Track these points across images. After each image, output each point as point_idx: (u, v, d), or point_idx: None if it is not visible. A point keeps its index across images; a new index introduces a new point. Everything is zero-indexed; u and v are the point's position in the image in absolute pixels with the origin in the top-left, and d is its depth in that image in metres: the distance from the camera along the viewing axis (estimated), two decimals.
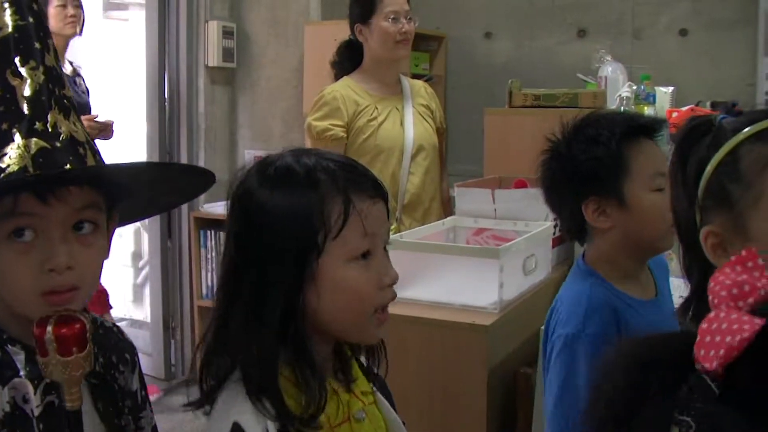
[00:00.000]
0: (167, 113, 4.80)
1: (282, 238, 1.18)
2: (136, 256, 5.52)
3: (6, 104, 1.19)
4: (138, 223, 5.58)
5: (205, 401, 1.24)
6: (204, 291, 4.72)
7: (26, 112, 1.20)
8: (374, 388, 1.36)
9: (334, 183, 1.19)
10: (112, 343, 1.41)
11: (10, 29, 1.22)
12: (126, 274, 5.58)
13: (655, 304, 1.91)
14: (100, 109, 4.30)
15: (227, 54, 4.80)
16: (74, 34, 4.20)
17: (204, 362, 1.24)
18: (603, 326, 1.74)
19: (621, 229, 1.81)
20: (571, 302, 1.83)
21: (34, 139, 1.18)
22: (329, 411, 1.22)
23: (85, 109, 4.17)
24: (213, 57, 4.74)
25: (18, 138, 1.18)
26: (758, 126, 1.07)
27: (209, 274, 4.68)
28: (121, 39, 6.01)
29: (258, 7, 4.86)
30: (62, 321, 1.15)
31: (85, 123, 3.87)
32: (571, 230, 1.95)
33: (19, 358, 1.22)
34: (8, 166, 1.16)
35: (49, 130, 1.20)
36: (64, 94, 1.26)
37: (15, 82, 1.20)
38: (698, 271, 1.15)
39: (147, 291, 5.14)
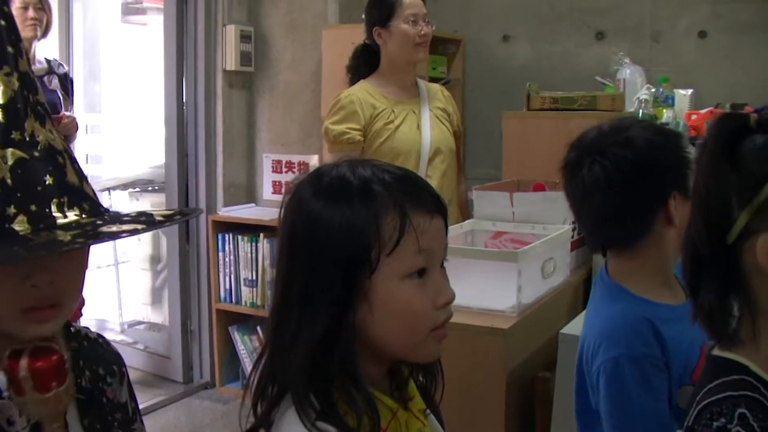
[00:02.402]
0: (185, 117, 4.81)
1: (333, 253, 1.13)
2: (155, 259, 5.53)
3: None
4: None
5: (261, 425, 1.18)
6: (222, 294, 4.73)
7: (1, 120, 1.14)
8: (427, 411, 1.30)
9: (390, 196, 1.14)
10: (98, 355, 1.35)
11: None
12: (144, 278, 5.60)
13: (687, 307, 1.89)
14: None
15: (245, 58, 4.81)
16: (35, 38, 4.21)
17: (258, 383, 1.20)
18: (646, 345, 1.69)
19: (680, 227, 1.74)
20: (608, 326, 1.75)
21: (11, 149, 1.13)
22: (390, 431, 1.18)
23: (54, 108, 4.18)
24: (231, 61, 4.74)
25: None
26: None
27: (227, 278, 4.69)
28: (139, 43, 6.05)
29: (276, 10, 4.86)
30: (37, 353, 1.08)
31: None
32: (619, 237, 1.82)
33: (2, 379, 1.15)
34: None
35: (27, 139, 1.15)
36: (38, 100, 1.20)
37: None
38: (716, 284, 1.15)
39: (165, 294, 5.15)
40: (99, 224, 1.17)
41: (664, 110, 3.71)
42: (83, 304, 4.27)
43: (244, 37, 4.79)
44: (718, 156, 1.15)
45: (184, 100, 4.80)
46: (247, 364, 4.68)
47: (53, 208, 1.15)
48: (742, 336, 1.17)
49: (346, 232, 1.12)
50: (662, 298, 1.79)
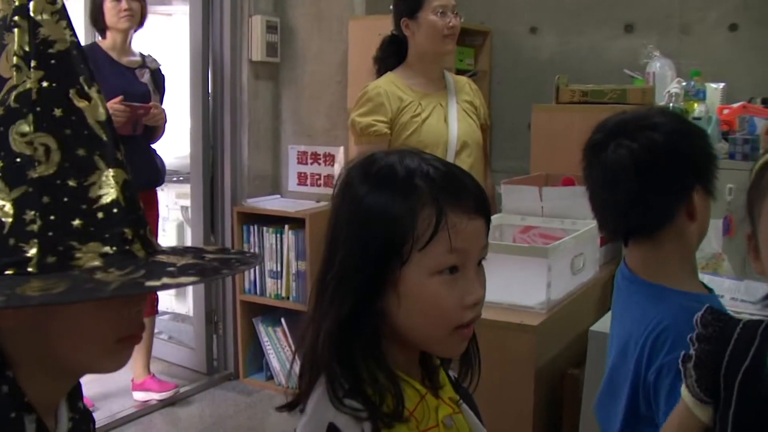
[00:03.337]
0: (211, 108, 4.80)
1: (369, 239, 1.16)
2: None
3: (74, 128, 1.11)
4: (182, 217, 5.61)
5: (299, 400, 1.22)
6: (246, 286, 4.72)
7: (104, 138, 1.13)
8: (460, 400, 1.32)
9: (430, 192, 1.15)
10: None
11: (68, 44, 1.14)
12: None
13: (714, 296, 1.85)
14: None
15: (271, 49, 4.80)
16: (130, 28, 4.23)
17: (302, 362, 1.23)
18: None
19: (701, 223, 1.74)
20: (668, 323, 1.67)
21: (115, 169, 1.12)
22: (417, 414, 1.19)
23: (142, 99, 4.21)
24: (257, 51, 4.73)
25: (102, 166, 1.11)
26: None
27: (252, 269, 4.68)
28: (165, 34, 6.04)
29: (302, 1, 4.84)
30: None
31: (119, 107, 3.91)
32: (646, 226, 1.76)
33: (32, 426, 1.11)
34: (101, 197, 1.10)
35: (123, 160, 1.15)
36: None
37: (82, 104, 1.12)
38: None
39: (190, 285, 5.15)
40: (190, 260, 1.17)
41: (696, 104, 3.66)
42: (157, 299, 4.33)
43: (270, 28, 4.78)
44: None
45: (209, 91, 4.79)
46: (271, 356, 4.68)
47: (148, 234, 1.16)
48: None
49: (383, 221, 1.15)
50: (695, 289, 1.76)
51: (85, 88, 1.14)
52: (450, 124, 3.37)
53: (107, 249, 1.09)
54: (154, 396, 4.40)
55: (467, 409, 1.33)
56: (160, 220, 4.99)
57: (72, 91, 1.12)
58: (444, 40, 3.33)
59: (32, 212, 1.05)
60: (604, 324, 2.45)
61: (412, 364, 1.25)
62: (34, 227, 1.05)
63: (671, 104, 3.62)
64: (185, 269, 1.11)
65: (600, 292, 3.02)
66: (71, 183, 1.08)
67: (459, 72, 4.33)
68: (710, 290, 1.83)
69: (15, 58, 1.11)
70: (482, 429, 1.34)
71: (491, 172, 3.82)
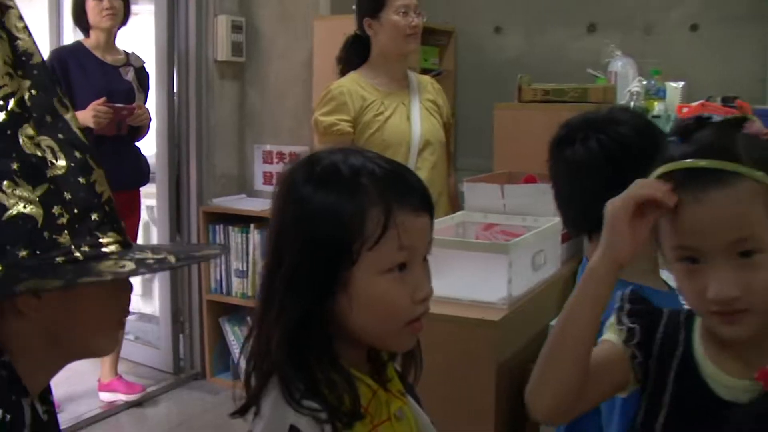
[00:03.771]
0: (176, 107, 4.80)
1: (317, 240, 1.15)
2: None
3: (65, 133, 1.18)
4: (147, 218, 5.59)
5: (250, 404, 1.21)
6: (213, 285, 4.72)
7: (88, 143, 1.21)
8: (405, 393, 1.34)
9: (377, 191, 1.16)
10: None
11: (41, 57, 1.20)
12: None
13: (674, 294, 1.87)
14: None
15: (236, 48, 4.80)
16: (113, 26, 4.23)
17: (248, 366, 1.23)
18: None
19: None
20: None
21: (101, 169, 1.21)
22: (371, 409, 1.21)
23: (127, 98, 4.22)
24: (222, 51, 4.73)
25: (95, 166, 1.20)
26: (665, 168, 1.23)
27: (218, 269, 4.68)
28: (131, 33, 6.01)
29: (267, 1, 4.85)
30: None
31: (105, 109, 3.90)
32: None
33: (28, 410, 1.16)
34: (103, 193, 1.20)
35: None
36: None
37: (65, 113, 1.19)
38: None
39: (156, 285, 5.14)
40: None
41: (656, 102, 3.71)
42: None
43: (236, 28, 4.79)
44: None
45: (175, 91, 4.79)
46: (238, 356, 4.68)
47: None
48: None
49: (330, 222, 1.15)
50: (654, 286, 1.77)
51: (64, 99, 1.20)
52: (413, 123, 3.39)
53: (120, 238, 1.19)
54: (121, 397, 4.39)
55: (411, 401, 1.34)
56: None
57: (55, 100, 1.18)
58: (406, 39, 3.35)
59: (58, 207, 1.12)
60: None
61: (362, 360, 1.26)
62: (63, 221, 1.12)
63: (632, 103, 3.66)
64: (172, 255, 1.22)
65: (562, 288, 3.05)
66: (81, 180, 1.15)
67: (424, 71, 4.35)
68: (671, 288, 1.85)
69: (5, 66, 1.15)
70: (425, 417, 1.36)
71: (455, 170, 3.85)
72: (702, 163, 1.17)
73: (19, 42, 1.17)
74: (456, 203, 3.63)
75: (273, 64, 4.86)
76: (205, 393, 4.65)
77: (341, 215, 1.14)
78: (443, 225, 2.98)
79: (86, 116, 3.93)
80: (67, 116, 1.19)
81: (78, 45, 4.27)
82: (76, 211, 1.13)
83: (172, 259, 1.18)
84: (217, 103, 4.82)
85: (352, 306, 1.17)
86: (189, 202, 4.81)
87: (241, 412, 1.23)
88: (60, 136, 1.16)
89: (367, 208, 1.14)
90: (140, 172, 4.37)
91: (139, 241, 5.57)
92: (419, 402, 1.38)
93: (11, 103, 1.13)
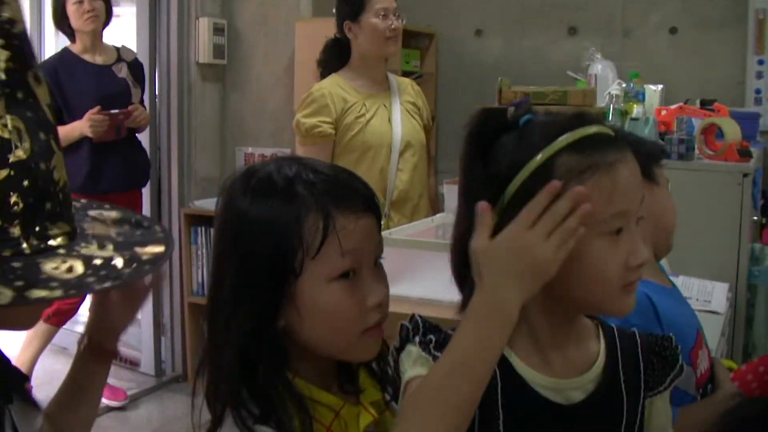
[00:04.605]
0: (157, 110, 4.79)
1: (258, 254, 1.12)
2: None
3: (33, 111, 1.10)
4: None
5: (214, 429, 1.15)
6: (194, 288, 4.71)
7: (53, 122, 1.14)
8: (388, 398, 1.26)
9: (313, 197, 1.12)
10: None
11: (23, 24, 1.12)
12: None
13: (677, 291, 1.87)
14: None
15: (218, 51, 4.80)
16: (97, 28, 4.18)
17: (207, 392, 1.17)
18: (643, 318, 1.69)
19: (646, 211, 1.79)
20: None
21: (60, 152, 1.13)
22: (336, 428, 1.16)
23: (123, 98, 4.20)
24: (204, 53, 4.73)
25: (56, 149, 1.12)
26: (573, 135, 1.08)
27: (199, 271, 4.68)
28: (112, 35, 6.00)
29: (249, 4, 4.86)
30: None
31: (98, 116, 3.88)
32: None
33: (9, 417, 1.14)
34: (59, 179, 1.11)
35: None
36: None
37: (37, 87, 1.11)
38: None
39: None
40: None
41: (635, 105, 3.74)
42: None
43: (217, 30, 4.79)
44: (472, 151, 1.14)
45: (156, 93, 4.78)
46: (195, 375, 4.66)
47: None
48: None
49: (269, 234, 1.11)
50: (658, 281, 1.80)
51: (39, 72, 1.12)
52: (394, 125, 3.41)
53: (68, 228, 1.11)
54: (104, 402, 4.37)
55: (396, 406, 1.25)
56: None
57: (30, 73, 1.10)
58: (386, 42, 3.37)
59: (15, 195, 1.05)
60: None
61: (326, 374, 1.21)
62: (17, 209, 1.05)
63: (611, 105, 3.69)
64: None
65: None
66: (42, 166, 1.08)
67: (405, 74, 4.37)
68: (674, 285, 1.87)
69: None
70: None
71: (435, 172, 3.86)
72: (607, 130, 1.12)
73: (5, 7, 1.09)
74: (436, 205, 3.64)
75: (254, 67, 4.86)
76: (186, 396, 4.61)
77: (278, 226, 1.11)
78: (423, 227, 3.00)
79: (83, 126, 3.92)
80: (38, 91, 1.11)
81: (65, 52, 4.23)
82: (31, 200, 1.06)
83: (119, 263, 1.09)
84: (199, 105, 4.82)
85: (302, 319, 1.13)
86: (170, 204, 4.81)
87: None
88: (28, 114, 1.08)
89: (303, 216, 1.11)
90: (141, 171, 4.36)
91: None
92: None
93: None
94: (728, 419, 1.04)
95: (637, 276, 1.12)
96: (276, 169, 1.16)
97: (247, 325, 1.12)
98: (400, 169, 3.41)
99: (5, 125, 1.06)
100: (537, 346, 1.15)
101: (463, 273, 1.15)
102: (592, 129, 1.10)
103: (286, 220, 1.11)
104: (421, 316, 1.17)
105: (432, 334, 1.13)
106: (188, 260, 4.67)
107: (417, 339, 1.13)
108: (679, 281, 2.53)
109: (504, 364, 1.11)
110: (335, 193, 1.14)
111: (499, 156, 1.11)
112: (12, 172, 1.05)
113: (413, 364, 1.11)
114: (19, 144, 1.07)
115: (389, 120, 3.41)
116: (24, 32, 1.11)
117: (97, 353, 1.36)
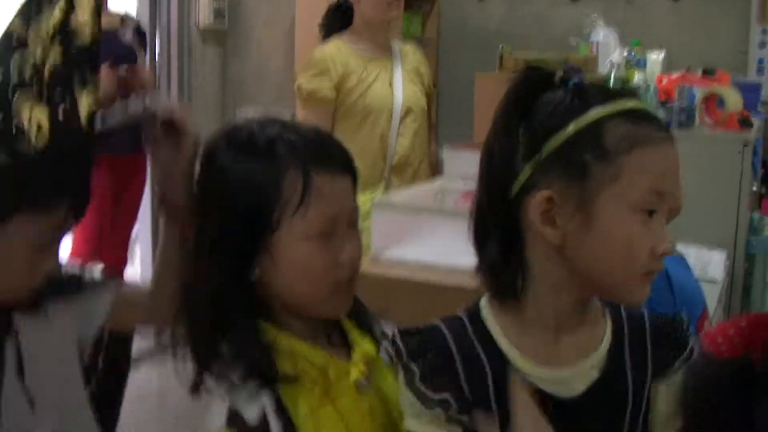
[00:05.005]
0: (157, 74, 4.78)
1: (237, 207, 1.16)
2: None
3: None
4: None
5: (199, 382, 1.19)
6: None
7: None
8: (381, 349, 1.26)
9: (294, 157, 1.16)
10: None
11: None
12: None
13: (684, 261, 1.88)
14: None
15: (219, 15, 4.78)
16: None
17: (188, 344, 1.22)
18: (656, 285, 1.69)
19: None
20: None
21: None
22: (323, 382, 1.19)
23: (129, 61, 4.16)
24: (204, 17, 4.71)
25: None
26: (623, 104, 1.07)
27: None
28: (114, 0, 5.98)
29: None
30: None
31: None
32: None
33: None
34: None
35: None
36: None
37: None
38: (498, 238, 1.12)
39: (137, 250, 5.14)
40: None
41: (636, 73, 3.73)
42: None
43: None
44: (512, 107, 1.12)
45: (157, 57, 4.77)
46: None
47: None
48: (519, 294, 1.13)
49: (249, 189, 1.16)
50: None
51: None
52: (395, 90, 3.40)
53: None
54: None
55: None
56: None
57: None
58: (389, 6, 3.35)
59: None
60: None
61: (315, 329, 1.24)
62: None
63: (613, 73, 3.69)
64: None
65: None
66: None
67: (406, 38, 4.35)
68: (681, 255, 1.88)
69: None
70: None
71: (436, 138, 3.86)
72: (653, 113, 1.11)
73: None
74: (437, 171, 3.64)
75: (255, 31, 4.84)
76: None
77: (258, 183, 1.15)
78: (423, 191, 3.00)
79: None
80: None
81: None
82: None
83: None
84: (199, 69, 4.81)
85: (277, 272, 1.17)
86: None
87: (192, 390, 1.20)
88: None
89: (283, 175, 1.15)
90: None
91: None
92: None
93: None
94: (697, 380, 1.04)
95: (660, 266, 1.10)
96: (259, 128, 1.20)
97: (223, 274, 1.16)
98: (400, 134, 3.40)
99: None
100: (543, 335, 1.13)
101: (483, 235, 1.16)
102: (643, 105, 1.11)
103: (266, 178, 1.15)
104: (395, 337, 1.14)
105: (431, 371, 1.11)
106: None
107: (402, 378, 1.12)
108: (677, 249, 2.53)
109: (496, 358, 1.11)
110: (315, 154, 1.18)
111: (542, 111, 1.10)
112: None
113: (409, 410, 1.13)
114: None
115: (390, 85, 3.39)
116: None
117: (170, 212, 1.42)
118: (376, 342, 1.28)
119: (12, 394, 1.32)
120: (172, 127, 1.38)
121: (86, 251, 3.95)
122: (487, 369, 1.10)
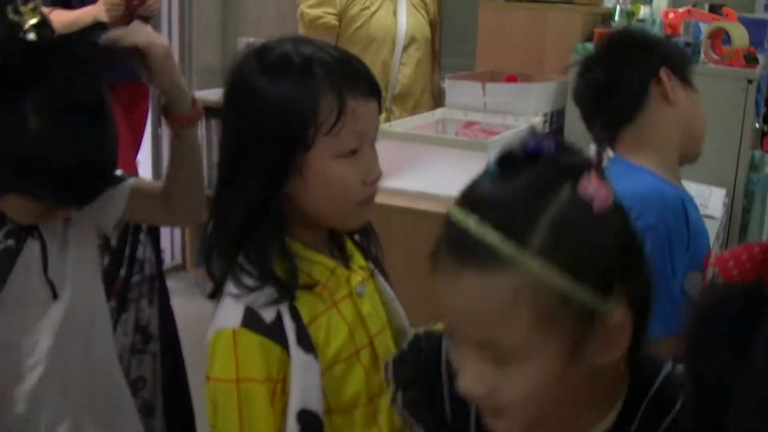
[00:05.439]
0: None
1: (272, 128, 1.19)
2: None
3: None
4: None
5: (219, 288, 1.26)
6: None
7: None
8: (371, 267, 1.41)
9: (329, 78, 1.19)
10: None
11: None
12: None
13: (693, 200, 1.90)
14: None
15: None
16: None
17: (207, 256, 1.28)
18: (677, 220, 1.70)
19: (682, 112, 1.83)
20: (638, 195, 1.58)
21: None
22: (331, 286, 1.28)
23: None
24: None
25: None
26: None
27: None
28: None
29: None
30: None
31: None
32: (622, 109, 1.85)
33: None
34: None
35: None
36: None
37: None
38: None
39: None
40: None
41: (642, 7, 3.69)
42: None
43: None
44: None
45: None
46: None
47: None
48: None
49: (285, 110, 1.18)
50: (674, 180, 1.84)
51: None
52: (399, 19, 3.38)
53: None
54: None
55: (379, 276, 1.41)
56: None
57: None
58: None
59: None
60: None
61: (320, 241, 1.32)
62: None
63: (618, 5, 3.65)
64: None
65: None
66: None
67: None
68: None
69: None
70: (391, 293, 1.42)
71: (439, 69, 3.84)
72: (472, 225, 0.86)
73: None
74: (439, 101, 3.64)
75: None
76: (186, 284, 4.68)
77: (295, 103, 1.17)
78: (423, 121, 3.00)
79: (98, 10, 3.84)
80: None
81: None
82: None
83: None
84: None
85: (307, 188, 1.22)
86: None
87: (212, 296, 1.28)
88: None
89: (320, 95, 1.18)
90: None
91: None
92: (387, 276, 1.44)
93: None
94: (703, 303, 1.02)
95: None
96: (293, 48, 1.22)
97: (256, 190, 1.21)
98: (403, 63, 3.39)
99: None
100: None
101: None
102: None
103: (302, 97, 1.17)
104: (393, 361, 1.18)
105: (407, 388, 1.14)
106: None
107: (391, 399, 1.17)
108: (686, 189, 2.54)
109: None
110: (348, 76, 1.22)
111: None
112: None
113: None
114: None
115: (394, 13, 3.37)
116: None
117: (168, 117, 1.55)
118: (366, 254, 1.41)
119: (37, 286, 1.43)
120: (137, 50, 1.43)
121: None
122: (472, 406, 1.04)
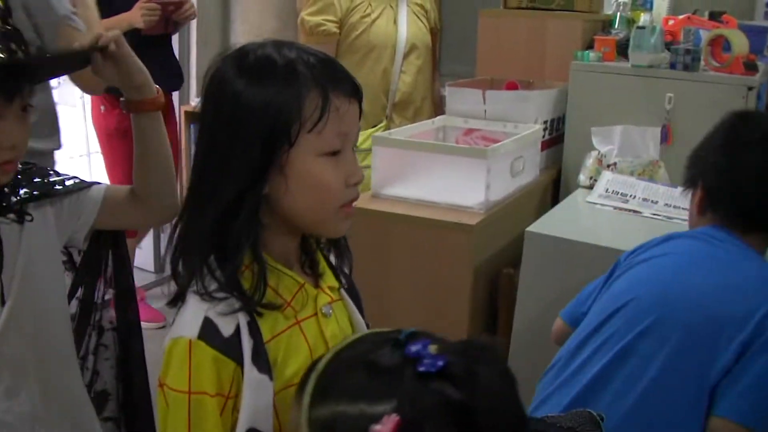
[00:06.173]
0: None
1: (254, 129, 1.16)
2: None
3: None
4: None
5: (179, 297, 1.23)
6: None
7: None
8: (342, 288, 1.37)
9: (313, 78, 1.17)
10: None
11: None
12: None
13: None
14: None
15: None
16: None
17: (174, 259, 1.25)
18: None
19: None
20: None
21: None
22: (295, 304, 1.25)
23: None
24: None
25: None
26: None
27: None
28: None
29: None
30: None
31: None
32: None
33: None
34: None
35: None
36: None
37: None
38: None
39: None
40: None
41: (642, 14, 3.69)
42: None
43: None
44: None
45: None
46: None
47: None
48: None
49: (268, 110, 1.15)
50: None
51: None
52: (399, 26, 3.38)
53: None
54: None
55: (347, 298, 1.37)
56: None
57: None
58: None
59: None
60: (541, 225, 2.52)
61: (291, 253, 1.30)
62: None
63: (618, 13, 3.65)
64: None
65: (539, 196, 3.09)
66: None
67: None
68: None
69: None
70: (359, 317, 1.38)
71: (440, 76, 3.84)
72: None
73: None
74: (440, 110, 3.64)
75: None
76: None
77: (279, 102, 1.15)
78: (424, 129, 3.00)
79: (134, 16, 3.80)
80: None
81: None
82: None
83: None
84: (200, 1, 4.75)
85: (288, 188, 1.19)
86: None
87: (172, 302, 1.24)
88: None
89: (304, 93, 1.16)
90: (175, 74, 4.26)
91: None
92: (359, 302, 1.41)
93: None
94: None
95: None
96: (275, 50, 1.20)
97: (233, 187, 1.17)
98: (403, 71, 3.39)
99: None
100: None
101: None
102: None
103: (287, 96, 1.16)
104: None
105: None
106: (187, 157, 4.66)
107: None
108: (677, 192, 2.54)
109: None
110: (332, 76, 1.20)
111: None
112: None
113: None
114: None
115: (395, 21, 3.37)
116: None
117: (131, 107, 1.58)
118: (336, 274, 1.37)
119: None
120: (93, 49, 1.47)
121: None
122: None
